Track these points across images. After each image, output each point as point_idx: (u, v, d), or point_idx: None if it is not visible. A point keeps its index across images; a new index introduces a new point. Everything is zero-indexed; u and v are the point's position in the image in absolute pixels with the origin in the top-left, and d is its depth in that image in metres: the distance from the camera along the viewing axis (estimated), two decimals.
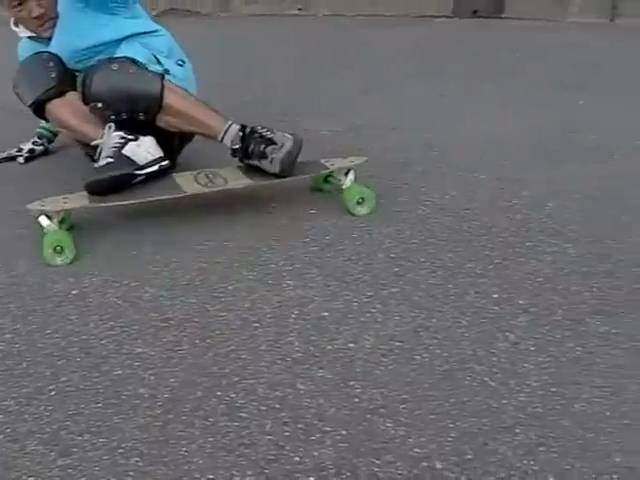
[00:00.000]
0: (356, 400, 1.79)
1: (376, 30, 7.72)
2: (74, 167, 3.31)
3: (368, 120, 4.13)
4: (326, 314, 2.14)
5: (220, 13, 9.58)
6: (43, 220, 2.58)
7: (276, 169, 2.71)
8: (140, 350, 2.03)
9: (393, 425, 1.70)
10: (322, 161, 2.88)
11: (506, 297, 2.20)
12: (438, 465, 1.59)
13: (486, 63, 5.84)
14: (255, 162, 2.76)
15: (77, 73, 3.04)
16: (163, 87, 2.80)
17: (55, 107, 3.04)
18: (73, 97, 2.97)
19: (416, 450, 1.63)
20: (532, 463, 1.58)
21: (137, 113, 2.82)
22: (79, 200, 2.66)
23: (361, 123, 4.07)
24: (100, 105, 2.80)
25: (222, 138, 2.82)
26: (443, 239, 2.57)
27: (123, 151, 2.78)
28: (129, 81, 2.79)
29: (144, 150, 2.81)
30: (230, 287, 2.32)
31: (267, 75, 5.65)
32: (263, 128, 2.76)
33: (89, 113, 2.87)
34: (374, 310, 2.15)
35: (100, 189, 2.69)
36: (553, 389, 1.81)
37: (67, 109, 3.02)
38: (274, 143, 2.72)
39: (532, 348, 1.97)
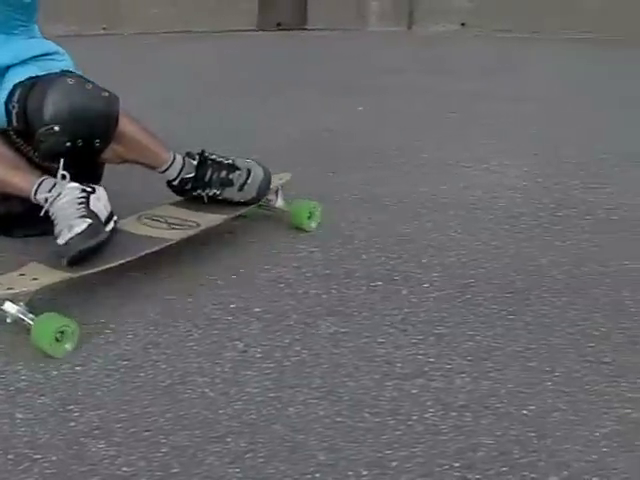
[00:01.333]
0: (72, 424, 1.75)
1: (183, 46, 7.70)
2: None
3: None
4: None
5: None
6: (10, 307, 2.01)
7: (251, 194, 2.54)
8: None
9: (105, 446, 1.67)
10: None
11: (243, 306, 2.21)
12: None
13: (284, 73, 5.89)
14: (213, 191, 2.53)
15: None
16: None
17: None
18: None
19: (124, 469, 1.60)
20: (237, 471, 1.58)
21: (95, 139, 2.32)
22: (53, 274, 2.11)
23: None
24: (57, 129, 2.22)
25: (167, 168, 2.52)
26: (188, 253, 2.54)
27: (91, 207, 2.27)
28: (90, 99, 2.30)
29: (102, 204, 2.34)
30: None
31: None
32: (212, 154, 2.56)
33: (12, 156, 2.35)
34: (108, 331, 2.12)
35: (82, 258, 2.15)
36: (272, 394, 1.82)
37: None
38: (237, 168, 2.54)
39: (258, 355, 1.97)
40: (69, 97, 2.26)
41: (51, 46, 2.56)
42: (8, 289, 2.02)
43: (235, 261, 2.50)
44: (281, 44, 7.74)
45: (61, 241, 2.14)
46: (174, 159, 2.53)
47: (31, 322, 2.01)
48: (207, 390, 1.84)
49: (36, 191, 2.29)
